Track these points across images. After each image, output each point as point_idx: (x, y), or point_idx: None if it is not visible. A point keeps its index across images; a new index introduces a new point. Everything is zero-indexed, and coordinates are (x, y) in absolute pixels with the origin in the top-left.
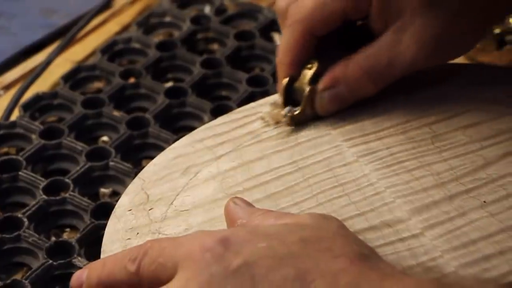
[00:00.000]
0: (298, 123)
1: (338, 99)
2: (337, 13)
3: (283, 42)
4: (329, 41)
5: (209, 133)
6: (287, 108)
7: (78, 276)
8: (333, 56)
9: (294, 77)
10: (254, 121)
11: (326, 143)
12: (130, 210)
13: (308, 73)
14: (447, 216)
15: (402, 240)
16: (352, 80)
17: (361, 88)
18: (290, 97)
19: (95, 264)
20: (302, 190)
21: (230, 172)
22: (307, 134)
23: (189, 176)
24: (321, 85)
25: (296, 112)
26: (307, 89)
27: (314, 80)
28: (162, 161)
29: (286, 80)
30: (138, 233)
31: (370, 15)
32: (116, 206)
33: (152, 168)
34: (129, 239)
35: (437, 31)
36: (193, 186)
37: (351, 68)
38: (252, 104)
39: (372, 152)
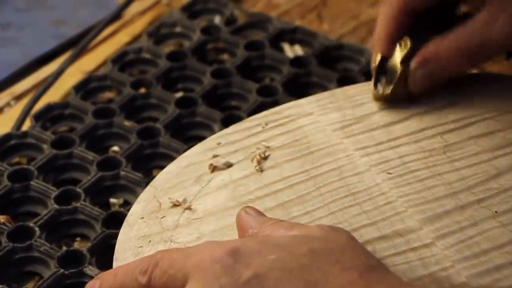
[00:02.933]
0: (390, 102)
1: (430, 77)
2: None
3: (381, 16)
4: (424, 22)
5: (221, 141)
6: (379, 87)
7: (90, 287)
8: (427, 36)
9: (387, 55)
10: (266, 130)
11: (338, 152)
12: (143, 218)
13: (401, 52)
14: (458, 226)
15: (413, 249)
16: (444, 58)
17: (453, 66)
18: (383, 75)
19: (107, 275)
20: (313, 199)
21: (242, 181)
22: (319, 143)
23: (202, 184)
24: (413, 63)
25: (388, 91)
26: (400, 67)
27: (407, 58)
28: (175, 169)
29: (379, 57)
30: (150, 241)
31: None
32: (129, 214)
33: (165, 176)
34: (141, 247)
35: None
36: (205, 194)
37: (443, 46)
38: (265, 113)
39: (384, 161)
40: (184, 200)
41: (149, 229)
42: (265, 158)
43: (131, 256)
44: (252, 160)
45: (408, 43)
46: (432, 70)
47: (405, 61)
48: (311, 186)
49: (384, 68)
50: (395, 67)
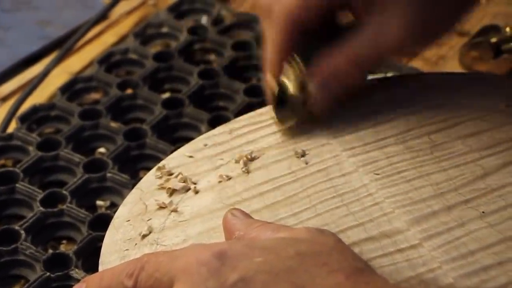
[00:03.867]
0: (292, 126)
1: (331, 96)
2: (322, 6)
3: (270, 39)
4: (309, 38)
5: (207, 142)
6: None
7: None
8: (314, 50)
9: (284, 83)
10: (253, 131)
11: (325, 152)
12: (129, 220)
13: (294, 75)
14: (445, 227)
15: (400, 251)
16: (343, 74)
17: (351, 80)
18: (282, 102)
19: (93, 278)
20: (300, 201)
21: (229, 182)
22: (306, 143)
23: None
24: (313, 87)
25: (293, 121)
26: (298, 93)
27: (303, 83)
28: None
29: (277, 87)
30: (136, 244)
31: (352, 3)
32: (115, 217)
33: (151, 178)
34: (127, 250)
35: (422, 12)
36: (192, 196)
37: (340, 62)
38: (251, 114)
39: (371, 162)
40: (170, 203)
41: (135, 232)
42: (252, 159)
43: (117, 259)
44: (238, 162)
45: (299, 64)
46: (333, 89)
47: (303, 86)
48: (298, 188)
49: (281, 95)
50: (293, 92)
